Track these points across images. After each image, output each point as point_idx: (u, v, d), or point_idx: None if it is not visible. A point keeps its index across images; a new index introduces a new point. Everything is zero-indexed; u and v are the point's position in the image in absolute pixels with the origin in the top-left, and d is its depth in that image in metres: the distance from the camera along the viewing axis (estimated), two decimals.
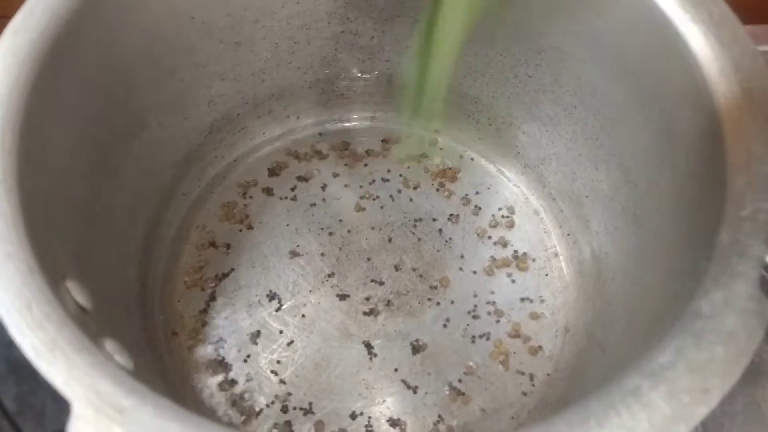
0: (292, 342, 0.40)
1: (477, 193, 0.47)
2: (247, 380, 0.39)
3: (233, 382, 0.39)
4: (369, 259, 0.44)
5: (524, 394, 0.40)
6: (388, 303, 0.42)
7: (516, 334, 0.42)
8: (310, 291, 0.42)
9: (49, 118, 0.28)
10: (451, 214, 0.46)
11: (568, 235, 0.45)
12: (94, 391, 0.22)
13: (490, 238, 0.45)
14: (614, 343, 0.37)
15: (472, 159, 0.48)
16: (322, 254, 0.44)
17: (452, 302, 0.42)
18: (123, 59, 0.34)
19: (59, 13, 0.29)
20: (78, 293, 0.27)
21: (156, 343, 0.39)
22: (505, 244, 0.45)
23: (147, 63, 0.36)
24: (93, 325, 0.26)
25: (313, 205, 0.45)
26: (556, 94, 0.41)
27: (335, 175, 0.47)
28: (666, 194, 0.33)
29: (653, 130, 0.34)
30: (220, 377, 0.39)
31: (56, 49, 0.28)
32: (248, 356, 0.40)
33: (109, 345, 0.26)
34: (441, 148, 0.48)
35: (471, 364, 0.40)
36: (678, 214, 0.31)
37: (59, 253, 0.27)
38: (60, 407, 0.21)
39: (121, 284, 0.36)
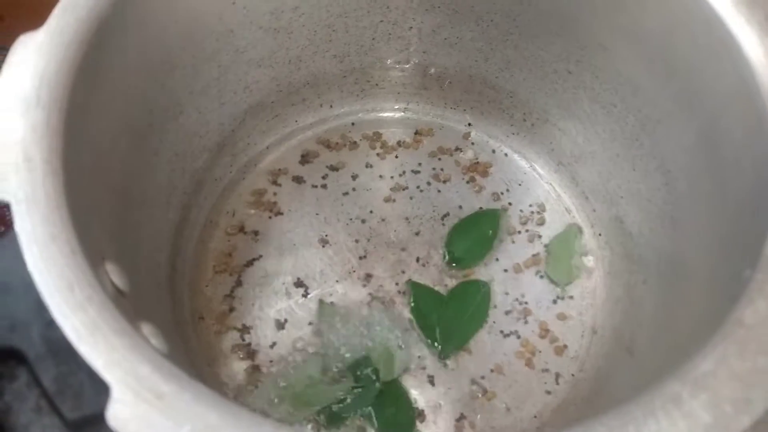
0: (318, 330, 0.40)
1: (508, 189, 0.46)
2: (273, 367, 0.39)
3: (258, 369, 0.39)
4: (397, 251, 0.43)
5: (548, 393, 0.40)
6: None
7: (542, 333, 0.41)
8: (337, 281, 0.42)
9: (93, 98, 0.28)
10: (481, 209, 0.45)
11: (600, 235, 0.44)
12: (134, 375, 0.22)
13: (520, 234, 0.45)
14: (643, 347, 0.36)
15: (506, 154, 0.48)
16: (351, 244, 0.43)
17: None
18: (165, 43, 0.34)
19: None
20: (116, 275, 0.27)
21: (183, 327, 0.39)
22: (534, 242, 0.44)
23: (187, 47, 0.36)
24: (130, 308, 0.27)
25: (344, 194, 0.45)
26: (595, 91, 0.40)
27: (366, 166, 0.47)
28: (708, 198, 0.32)
29: (697, 131, 0.33)
30: (245, 363, 0.39)
31: (102, 29, 0.28)
32: (274, 343, 0.40)
33: (146, 328, 0.26)
34: (473, 143, 0.48)
35: (496, 361, 0.40)
36: (720, 220, 0.31)
37: (99, 235, 0.27)
38: (98, 389, 0.21)
39: (154, 268, 0.37)
